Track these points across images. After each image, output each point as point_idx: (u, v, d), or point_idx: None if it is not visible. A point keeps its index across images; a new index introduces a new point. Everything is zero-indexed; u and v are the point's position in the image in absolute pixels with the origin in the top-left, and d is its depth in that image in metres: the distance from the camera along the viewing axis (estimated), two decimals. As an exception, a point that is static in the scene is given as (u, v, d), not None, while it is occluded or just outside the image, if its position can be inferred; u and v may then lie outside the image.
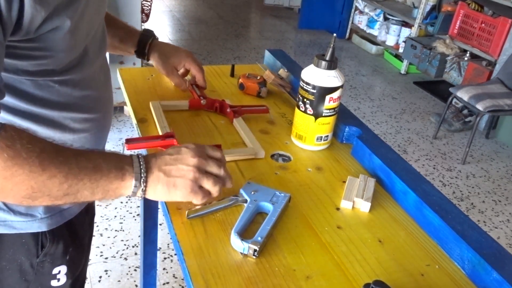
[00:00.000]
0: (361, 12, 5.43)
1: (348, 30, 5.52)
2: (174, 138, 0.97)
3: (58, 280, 0.91)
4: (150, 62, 1.22)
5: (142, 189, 0.74)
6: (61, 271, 0.91)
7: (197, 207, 0.84)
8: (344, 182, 0.98)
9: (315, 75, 1.02)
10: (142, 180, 0.74)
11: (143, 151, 0.94)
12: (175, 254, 2.15)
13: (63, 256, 0.90)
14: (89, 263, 2.03)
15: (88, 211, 1.02)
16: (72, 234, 0.92)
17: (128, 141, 0.94)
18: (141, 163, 0.74)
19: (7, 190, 0.65)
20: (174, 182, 0.76)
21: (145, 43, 1.18)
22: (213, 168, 0.79)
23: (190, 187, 0.77)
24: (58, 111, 0.80)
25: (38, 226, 0.85)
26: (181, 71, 1.23)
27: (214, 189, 0.79)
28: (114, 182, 0.72)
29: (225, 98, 1.26)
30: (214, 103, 1.18)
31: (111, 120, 0.99)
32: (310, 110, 1.05)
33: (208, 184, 0.78)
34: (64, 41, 0.73)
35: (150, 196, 0.76)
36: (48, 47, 0.72)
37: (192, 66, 1.20)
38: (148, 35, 1.19)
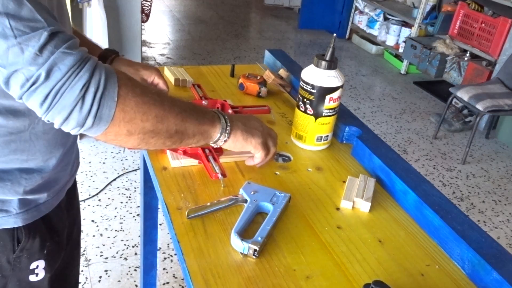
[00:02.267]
0: (361, 12, 5.43)
1: (348, 30, 5.52)
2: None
3: (37, 274, 0.91)
4: None
5: (227, 134, 0.84)
6: (39, 265, 0.90)
7: (197, 207, 0.84)
8: (344, 182, 0.98)
9: (315, 75, 1.02)
10: (227, 127, 0.84)
11: None
12: (175, 254, 2.15)
13: (40, 250, 0.90)
14: (89, 263, 2.03)
15: (68, 206, 1.00)
16: (49, 229, 0.92)
17: None
18: (225, 116, 0.86)
19: (137, 119, 0.71)
20: (251, 131, 0.88)
21: (107, 57, 1.10)
22: (274, 145, 0.94)
23: (264, 137, 0.90)
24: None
25: (13, 221, 0.84)
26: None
27: (274, 149, 0.93)
28: (206, 125, 0.82)
29: (225, 98, 1.26)
30: (215, 104, 1.18)
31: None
32: (310, 110, 1.05)
33: (271, 141, 0.92)
34: None
35: (230, 143, 0.86)
36: None
37: (161, 81, 1.15)
38: (112, 51, 1.14)
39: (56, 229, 0.94)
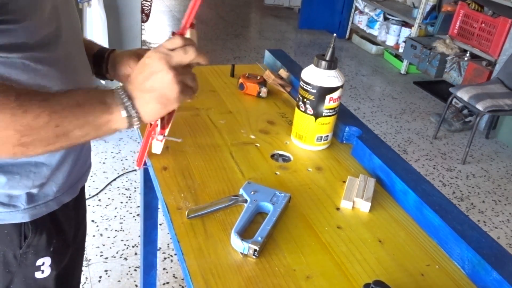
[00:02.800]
0: (361, 12, 5.43)
1: (348, 30, 5.52)
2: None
3: (42, 271, 0.91)
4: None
5: (136, 116, 0.73)
6: (45, 262, 0.91)
7: (197, 207, 0.84)
8: (344, 182, 0.98)
9: (315, 75, 1.02)
10: (130, 108, 0.72)
11: None
12: (175, 254, 2.15)
13: (46, 247, 0.90)
14: (89, 263, 2.03)
15: (76, 206, 1.01)
16: (56, 226, 0.92)
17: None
18: (121, 92, 0.72)
19: None
20: (163, 93, 0.73)
21: (103, 53, 1.05)
22: (183, 58, 0.74)
23: (179, 89, 0.74)
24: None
25: (21, 216, 0.84)
26: None
27: (195, 83, 0.77)
28: (102, 117, 0.71)
29: (225, 98, 1.26)
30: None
31: None
32: (310, 110, 1.05)
33: (190, 79, 0.76)
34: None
35: (149, 117, 0.75)
36: (10, 10, 0.67)
37: None
38: (107, 49, 1.07)
39: (62, 227, 0.94)
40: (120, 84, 0.77)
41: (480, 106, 3.07)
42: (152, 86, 0.73)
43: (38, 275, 0.91)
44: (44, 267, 0.91)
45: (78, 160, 0.94)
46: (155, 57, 0.73)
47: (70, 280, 1.08)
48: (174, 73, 0.73)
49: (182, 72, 0.74)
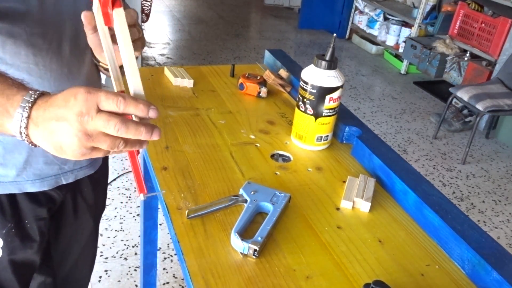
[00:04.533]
0: (361, 12, 5.43)
1: (348, 30, 5.52)
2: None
3: None
4: None
5: (26, 139, 0.62)
6: None
7: (197, 207, 0.84)
8: (344, 182, 0.98)
9: (315, 75, 1.02)
10: (23, 134, 0.61)
11: None
12: (175, 254, 2.15)
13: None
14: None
15: (41, 201, 0.98)
16: (13, 212, 0.91)
17: None
18: (25, 111, 0.60)
19: None
20: (60, 145, 0.60)
21: None
22: (100, 124, 0.57)
23: (81, 152, 0.59)
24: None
25: None
26: None
27: (117, 149, 0.61)
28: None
29: (225, 98, 1.26)
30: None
31: (83, 76, 0.94)
32: (310, 110, 1.05)
33: (104, 145, 0.59)
34: None
35: (39, 145, 0.63)
36: None
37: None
38: None
39: (23, 215, 0.93)
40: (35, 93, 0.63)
41: (480, 106, 3.07)
42: (56, 131, 0.59)
43: None
44: None
45: (45, 154, 0.88)
46: (79, 109, 0.57)
47: (74, 279, 1.06)
48: (84, 141, 0.58)
49: (97, 137, 0.58)
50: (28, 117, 0.60)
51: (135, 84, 0.62)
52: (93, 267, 1.22)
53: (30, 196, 0.93)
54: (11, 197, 0.90)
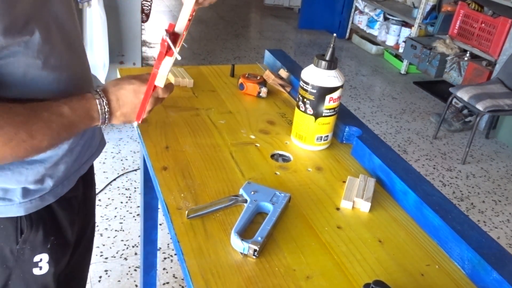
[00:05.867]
0: (361, 12, 5.43)
1: (348, 30, 5.52)
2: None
3: (40, 268, 0.91)
4: None
5: (106, 123, 0.88)
6: (42, 259, 0.91)
7: (197, 207, 0.84)
8: (344, 182, 0.98)
9: (315, 75, 1.02)
10: (106, 121, 0.87)
11: None
12: (175, 254, 2.15)
13: (43, 244, 0.90)
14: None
15: (81, 199, 1.00)
16: (54, 222, 0.92)
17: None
18: (105, 108, 0.85)
19: (7, 156, 0.75)
20: (131, 119, 0.91)
21: None
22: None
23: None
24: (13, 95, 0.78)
25: (16, 210, 0.85)
26: None
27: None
28: (85, 126, 0.86)
29: (225, 98, 1.26)
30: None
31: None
32: (310, 110, 1.05)
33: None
34: None
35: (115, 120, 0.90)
36: None
37: None
38: None
39: (61, 224, 0.94)
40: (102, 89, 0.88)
41: (480, 106, 3.07)
42: (130, 114, 0.90)
43: (36, 271, 0.91)
44: (42, 263, 0.91)
45: (74, 152, 0.93)
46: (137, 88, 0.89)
47: (75, 279, 1.07)
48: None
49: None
50: (110, 114, 0.87)
51: (180, 25, 0.90)
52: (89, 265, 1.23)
53: (62, 202, 0.93)
54: (49, 208, 0.90)
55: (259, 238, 0.77)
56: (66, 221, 0.96)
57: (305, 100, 1.05)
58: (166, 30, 0.86)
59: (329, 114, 1.05)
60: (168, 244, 2.20)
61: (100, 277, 1.99)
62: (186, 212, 0.82)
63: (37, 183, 0.86)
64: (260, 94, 1.30)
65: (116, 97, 0.87)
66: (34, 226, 0.88)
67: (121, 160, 2.75)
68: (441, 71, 4.25)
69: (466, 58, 4.05)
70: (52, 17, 0.81)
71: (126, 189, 2.54)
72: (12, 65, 0.74)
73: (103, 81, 2.79)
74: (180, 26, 0.91)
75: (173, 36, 0.89)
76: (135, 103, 0.89)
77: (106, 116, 0.86)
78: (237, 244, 0.77)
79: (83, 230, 1.08)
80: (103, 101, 0.85)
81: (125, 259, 2.09)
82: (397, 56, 4.88)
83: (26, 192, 0.85)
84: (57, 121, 0.78)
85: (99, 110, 0.85)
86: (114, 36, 2.80)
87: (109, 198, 2.45)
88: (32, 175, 0.84)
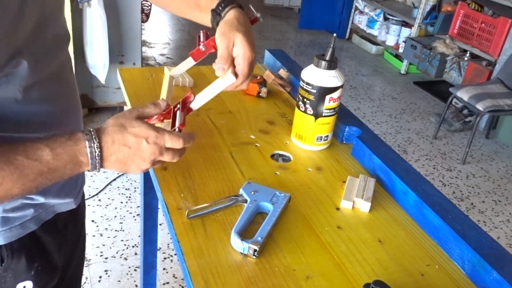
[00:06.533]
0: (361, 12, 5.43)
1: (348, 30, 5.52)
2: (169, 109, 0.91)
3: None
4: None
5: (97, 170, 0.75)
6: (26, 286, 0.85)
7: (197, 207, 0.84)
8: (344, 182, 0.98)
9: (315, 75, 1.02)
10: (97, 167, 0.74)
11: None
12: (175, 254, 2.15)
13: (27, 271, 0.85)
14: (89, 263, 2.03)
15: (68, 223, 0.95)
16: (37, 249, 0.86)
17: None
18: (96, 152, 0.73)
19: None
20: (127, 170, 0.78)
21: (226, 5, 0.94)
22: (168, 157, 0.80)
23: (141, 172, 0.80)
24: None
25: None
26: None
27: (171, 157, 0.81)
28: (71, 173, 0.73)
29: (225, 98, 1.26)
30: (211, 47, 1.03)
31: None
32: (310, 110, 1.05)
33: (158, 164, 0.81)
34: None
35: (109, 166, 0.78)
36: None
37: (242, 48, 0.90)
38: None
39: (47, 248, 0.89)
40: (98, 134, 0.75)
41: (480, 106, 3.07)
42: (128, 162, 0.77)
43: None
44: None
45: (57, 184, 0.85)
46: (152, 150, 0.77)
47: None
48: (148, 167, 0.79)
49: (159, 162, 0.81)
50: (101, 159, 0.74)
51: (198, 103, 0.94)
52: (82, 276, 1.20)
53: (46, 226, 0.88)
54: (32, 234, 0.85)
55: (259, 238, 0.77)
56: (52, 245, 0.90)
57: (305, 100, 1.05)
58: (184, 100, 0.90)
59: (329, 114, 1.05)
60: (168, 244, 2.21)
61: (100, 277, 1.99)
62: (186, 212, 0.82)
63: (16, 211, 0.81)
64: (260, 94, 1.30)
65: (112, 139, 0.74)
66: (16, 254, 0.83)
67: (121, 160, 2.75)
68: (441, 71, 4.26)
69: (466, 58, 4.05)
70: (45, 46, 0.76)
71: (126, 189, 2.54)
72: None
73: (103, 81, 2.79)
74: (198, 104, 0.93)
75: (184, 106, 0.91)
76: (134, 150, 0.75)
77: (97, 161, 0.73)
78: (237, 244, 0.77)
79: (74, 248, 1.02)
80: (94, 143, 0.72)
81: (125, 259, 2.09)
82: (397, 56, 4.88)
83: (5, 220, 0.80)
84: (32, 167, 0.67)
85: (89, 154, 0.72)
86: (114, 36, 2.80)
87: (109, 198, 2.45)
88: (9, 204, 0.79)
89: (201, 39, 1.06)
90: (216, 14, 0.93)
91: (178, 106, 0.90)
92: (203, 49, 1.05)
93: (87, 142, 0.72)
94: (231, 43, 0.88)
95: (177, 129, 0.84)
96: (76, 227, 1.03)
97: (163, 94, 1.07)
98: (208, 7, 0.95)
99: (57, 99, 0.82)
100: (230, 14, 0.92)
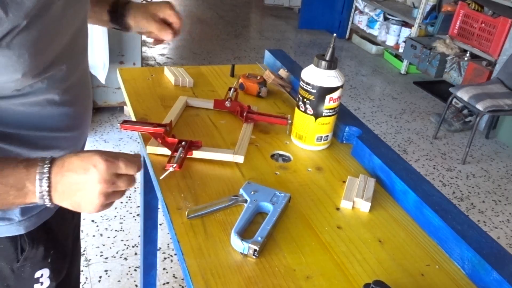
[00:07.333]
0: (361, 12, 5.43)
1: (348, 30, 5.52)
2: (166, 128, 0.99)
3: (42, 283, 0.90)
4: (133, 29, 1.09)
5: (47, 204, 0.69)
6: (43, 274, 0.90)
7: (197, 207, 0.84)
8: (344, 182, 0.98)
9: (315, 75, 1.02)
10: (45, 199, 0.68)
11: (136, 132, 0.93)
12: (175, 254, 2.15)
13: (44, 259, 0.89)
14: (89, 263, 2.03)
15: (67, 217, 0.99)
16: (51, 237, 0.91)
17: (124, 122, 0.99)
18: (44, 180, 0.66)
19: None
20: (79, 205, 0.70)
21: (119, 5, 1.05)
22: (122, 186, 0.71)
23: (97, 208, 0.70)
24: (25, 131, 0.78)
25: (16, 229, 0.84)
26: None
27: (120, 197, 0.74)
28: (14, 202, 0.67)
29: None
30: (236, 107, 1.16)
31: (87, 134, 0.99)
32: (310, 110, 1.05)
33: (115, 198, 0.72)
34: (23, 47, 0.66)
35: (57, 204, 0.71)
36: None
37: (172, 12, 1.05)
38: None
39: (58, 237, 0.94)
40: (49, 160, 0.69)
41: (480, 106, 3.07)
42: (77, 195, 0.68)
43: (37, 287, 0.90)
44: (43, 279, 0.90)
45: None
46: (101, 177, 0.67)
47: (68, 283, 1.07)
48: (102, 200, 0.69)
49: (112, 194, 0.70)
50: (49, 186, 0.66)
51: (200, 153, 0.98)
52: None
53: (57, 216, 0.92)
54: (47, 223, 0.89)
55: (259, 238, 0.77)
56: (62, 234, 0.95)
57: (305, 100, 1.05)
58: (191, 143, 0.95)
59: (329, 114, 1.05)
60: (168, 244, 2.21)
61: (100, 277, 1.99)
62: (186, 212, 0.82)
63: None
64: (260, 94, 1.30)
65: (62, 163, 0.68)
66: (35, 243, 0.87)
67: (121, 160, 2.75)
68: (441, 71, 4.26)
69: (466, 58, 4.05)
70: (77, 53, 0.84)
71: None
72: (29, 103, 0.74)
73: (103, 81, 2.79)
74: (200, 154, 0.98)
75: (189, 147, 0.96)
76: (81, 176, 0.67)
77: (45, 189, 0.66)
78: (237, 244, 0.77)
79: (76, 237, 1.08)
80: (45, 168, 0.66)
81: (125, 259, 2.09)
82: (397, 56, 4.88)
83: (24, 210, 0.84)
84: None
85: (37, 181, 0.65)
86: (114, 36, 2.80)
87: (109, 198, 2.45)
88: None
89: (230, 95, 1.19)
90: (113, 12, 1.06)
91: (184, 143, 0.95)
92: (228, 105, 1.17)
93: (39, 167, 0.66)
94: (153, 17, 1.04)
95: (171, 169, 0.88)
96: (78, 219, 1.08)
97: (172, 116, 1.10)
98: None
99: (81, 102, 0.88)
100: (130, 5, 1.06)
